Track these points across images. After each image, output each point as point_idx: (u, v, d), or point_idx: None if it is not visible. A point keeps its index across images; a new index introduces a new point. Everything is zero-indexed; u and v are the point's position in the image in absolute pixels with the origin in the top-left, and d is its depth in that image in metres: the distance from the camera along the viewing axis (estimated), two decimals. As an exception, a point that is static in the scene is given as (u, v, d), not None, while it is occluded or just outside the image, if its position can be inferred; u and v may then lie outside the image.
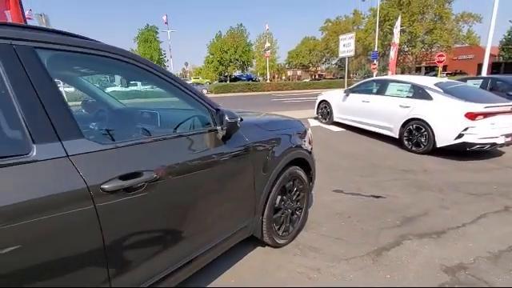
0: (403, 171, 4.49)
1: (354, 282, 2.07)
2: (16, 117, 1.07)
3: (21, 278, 1.00)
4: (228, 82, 38.24)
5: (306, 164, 2.67)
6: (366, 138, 6.60)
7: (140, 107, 2.62)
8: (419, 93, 5.54)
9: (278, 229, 2.42)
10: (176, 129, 1.83)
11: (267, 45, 37.49)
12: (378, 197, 3.56)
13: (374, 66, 24.10)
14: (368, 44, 43.58)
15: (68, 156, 1.14)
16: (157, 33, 38.19)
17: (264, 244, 2.48)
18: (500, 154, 5.46)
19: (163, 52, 40.22)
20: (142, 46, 37.18)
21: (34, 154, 1.07)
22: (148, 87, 7.14)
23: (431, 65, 48.17)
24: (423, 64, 50.38)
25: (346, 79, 14.69)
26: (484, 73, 9.92)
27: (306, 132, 2.78)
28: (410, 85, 5.82)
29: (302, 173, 2.60)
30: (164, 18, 33.24)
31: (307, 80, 47.05)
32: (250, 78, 42.70)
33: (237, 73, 46.82)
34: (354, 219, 3.01)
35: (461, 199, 3.46)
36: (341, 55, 11.94)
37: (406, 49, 45.64)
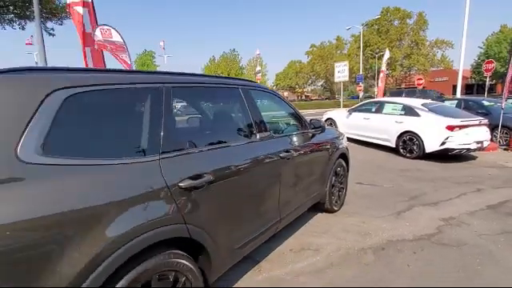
0: (403, 170, 5.87)
1: (374, 239, 3.27)
2: (250, 122, 2.34)
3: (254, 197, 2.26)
4: (222, 103, 39.75)
5: (345, 157, 3.97)
6: (367, 148, 8.01)
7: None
8: (410, 111, 7.06)
9: (333, 199, 3.68)
10: (291, 130, 3.11)
11: (258, 68, 39.54)
12: (388, 186, 4.88)
13: (360, 88, 26.30)
14: (351, 67, 46.41)
15: (261, 140, 2.40)
16: (154, 57, 39.96)
17: (322, 211, 3.72)
18: (474, 158, 6.96)
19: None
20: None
21: (258, 137, 2.34)
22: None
23: (410, 86, 51.44)
24: (403, 86, 53.66)
25: (342, 100, 16.52)
26: (458, 94, 11.74)
27: (343, 135, 4.10)
28: (402, 105, 7.35)
29: (343, 163, 3.90)
30: (161, 43, 35.06)
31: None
32: (241, 100, 44.46)
33: (229, 94, 48.54)
34: (376, 198, 4.30)
35: (448, 185, 4.84)
36: (336, 80, 13.70)
37: (387, 72, 49.03)
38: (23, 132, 1.15)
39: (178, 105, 1.88)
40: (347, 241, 3.04)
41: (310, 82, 65.55)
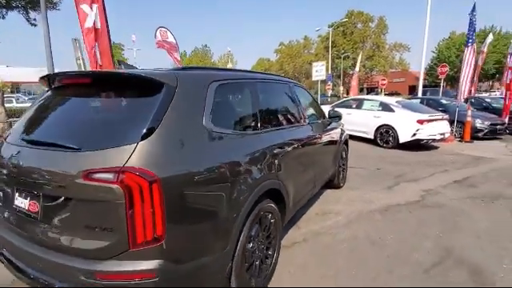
0: (383, 157, 6.90)
1: (376, 204, 4.13)
2: (297, 110, 3.03)
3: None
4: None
5: (347, 143, 4.80)
6: (350, 141, 9.00)
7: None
8: (386, 107, 8.16)
9: (340, 177, 4.48)
10: (316, 118, 3.82)
11: (229, 65, 40.02)
12: (375, 169, 5.83)
13: (329, 87, 27.95)
14: (319, 67, 48.12)
15: (303, 125, 3.10)
16: (122, 50, 38.49)
17: (330, 188, 4.50)
18: (437, 147, 8.25)
19: (128, 69, 40.17)
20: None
21: (302, 122, 3.03)
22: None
23: (371, 86, 54.77)
24: (365, 85, 56.92)
25: (319, 97, 17.62)
26: (420, 94, 13.35)
27: (343, 125, 4.92)
28: (379, 102, 8.45)
29: (346, 148, 4.73)
30: (133, 38, 34.14)
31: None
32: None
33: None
34: (368, 178, 5.21)
35: (421, 167, 5.91)
36: (314, 79, 14.75)
37: (351, 72, 51.82)
38: (203, 108, 1.74)
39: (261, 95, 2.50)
40: (357, 207, 3.85)
41: (278, 79, 66.93)
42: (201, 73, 1.93)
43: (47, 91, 2.05)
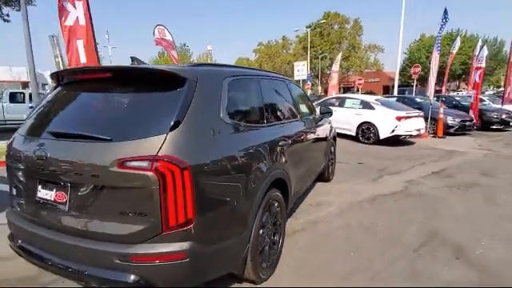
0: (365, 152, 7.26)
1: (364, 195, 4.40)
2: (294, 106, 3.20)
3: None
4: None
5: (335, 139, 5.05)
6: (331, 137, 9.38)
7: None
8: (366, 105, 8.56)
9: (329, 170, 4.71)
10: (308, 115, 4.01)
11: (209, 64, 39.74)
12: (359, 163, 6.14)
13: (308, 86, 28.55)
14: (298, 67, 48.84)
15: (298, 120, 3.28)
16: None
17: (320, 181, 4.72)
18: (413, 143, 8.75)
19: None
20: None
21: (298, 118, 3.21)
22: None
23: (347, 86, 56.38)
24: (341, 85, 58.40)
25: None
26: (395, 93, 14.03)
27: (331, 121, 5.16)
28: (360, 100, 8.84)
29: (335, 143, 4.97)
30: (106, 35, 33.05)
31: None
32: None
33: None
34: (353, 171, 5.50)
35: (401, 161, 6.29)
36: (296, 78, 15.09)
37: (328, 72, 53.03)
38: (220, 102, 1.86)
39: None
40: (347, 197, 4.09)
41: (257, 79, 67.15)
42: (215, 69, 2.06)
43: (56, 87, 2.09)
